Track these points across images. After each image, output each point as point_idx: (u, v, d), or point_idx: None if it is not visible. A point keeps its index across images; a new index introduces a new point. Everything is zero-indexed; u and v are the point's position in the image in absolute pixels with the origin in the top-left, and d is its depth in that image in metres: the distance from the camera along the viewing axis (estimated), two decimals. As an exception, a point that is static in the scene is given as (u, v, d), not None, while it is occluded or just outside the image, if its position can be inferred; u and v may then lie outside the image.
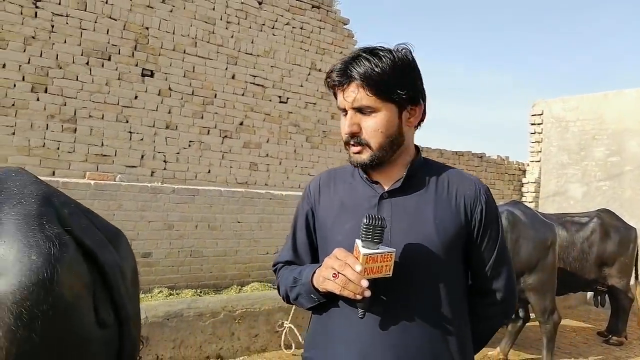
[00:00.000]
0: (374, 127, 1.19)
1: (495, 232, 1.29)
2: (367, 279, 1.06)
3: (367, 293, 1.06)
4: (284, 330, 4.21)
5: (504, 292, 1.32)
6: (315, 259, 1.34)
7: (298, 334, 4.16)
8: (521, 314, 4.56)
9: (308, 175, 7.12)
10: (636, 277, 5.46)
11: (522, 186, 9.12)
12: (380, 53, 1.17)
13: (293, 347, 4.16)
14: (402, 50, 1.21)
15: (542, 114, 8.77)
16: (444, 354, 1.20)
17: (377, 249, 1.06)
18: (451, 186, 1.26)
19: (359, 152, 1.21)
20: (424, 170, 1.28)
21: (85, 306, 1.03)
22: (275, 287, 1.39)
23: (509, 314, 1.39)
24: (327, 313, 1.23)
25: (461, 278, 1.27)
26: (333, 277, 1.09)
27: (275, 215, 5.77)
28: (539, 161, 8.83)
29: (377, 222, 1.06)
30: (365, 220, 1.06)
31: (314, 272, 1.19)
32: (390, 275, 1.09)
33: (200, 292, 4.96)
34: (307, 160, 7.15)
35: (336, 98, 1.23)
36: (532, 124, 8.94)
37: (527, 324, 4.96)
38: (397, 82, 1.18)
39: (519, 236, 4.08)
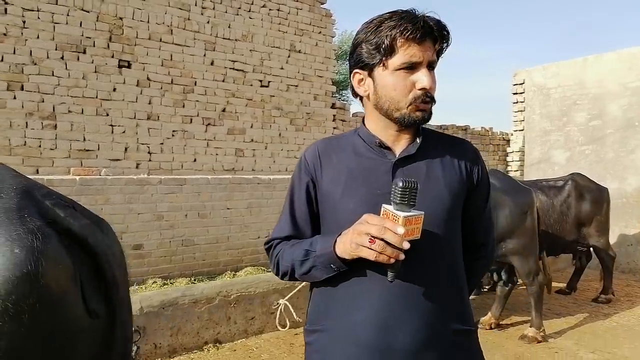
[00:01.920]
0: (435, 84, 1.25)
1: (487, 190, 1.40)
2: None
3: (402, 256, 1.08)
4: (279, 308, 4.27)
5: (491, 246, 1.46)
6: (316, 231, 1.34)
7: (293, 312, 4.23)
8: (504, 277, 4.67)
9: (294, 158, 7.13)
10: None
11: (507, 155, 9.20)
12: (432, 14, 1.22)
13: (288, 325, 4.22)
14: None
15: (523, 83, 8.80)
16: (459, 307, 1.28)
17: (410, 212, 1.08)
18: (451, 149, 1.33)
19: (424, 110, 1.23)
20: (426, 135, 1.33)
21: (73, 297, 1.03)
22: (272, 264, 1.36)
23: (488, 268, 1.52)
24: (343, 282, 1.23)
25: (461, 236, 1.34)
26: (370, 242, 1.07)
27: (264, 200, 5.79)
28: (522, 130, 8.89)
29: (413, 185, 1.07)
30: (400, 184, 1.07)
31: (335, 241, 1.18)
32: (419, 237, 1.11)
33: (194, 280, 5.00)
34: (293, 143, 7.14)
35: (390, 52, 1.19)
36: (514, 94, 8.97)
37: (515, 288, 5.08)
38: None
39: (496, 203, 4.16)
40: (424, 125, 1.34)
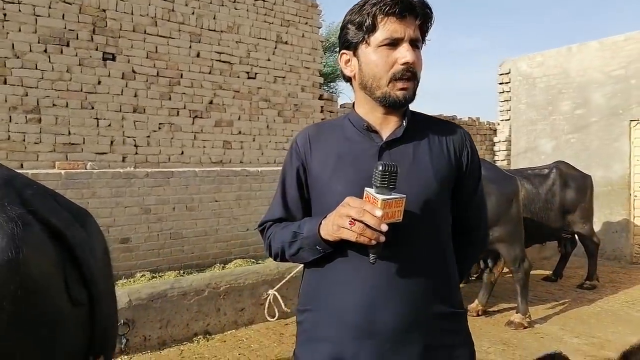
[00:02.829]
0: (421, 62, 1.25)
1: (478, 174, 1.40)
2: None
3: (382, 238, 1.09)
4: (268, 299, 4.29)
5: (484, 230, 1.47)
6: (307, 214, 1.36)
7: (282, 303, 4.25)
8: (490, 264, 4.73)
9: (283, 150, 7.12)
10: None
11: (494, 145, 9.27)
12: None
13: (277, 316, 4.25)
14: None
15: (509, 73, 8.85)
16: (446, 291, 1.28)
17: (391, 194, 1.10)
18: (440, 132, 1.33)
19: (406, 88, 1.23)
20: (414, 118, 1.33)
21: (56, 284, 1.03)
22: (265, 245, 1.40)
23: (481, 252, 1.54)
24: (330, 264, 1.26)
25: (449, 220, 1.35)
26: (350, 224, 1.10)
27: (252, 192, 5.78)
28: (508, 119, 8.95)
29: (392, 168, 1.09)
30: (380, 168, 1.08)
31: (320, 224, 1.21)
32: (401, 220, 1.13)
33: (183, 273, 4.99)
34: (281, 135, 7.13)
35: (372, 29, 1.21)
36: (500, 84, 9.02)
37: (502, 276, 5.15)
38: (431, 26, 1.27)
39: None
40: (413, 110, 1.35)
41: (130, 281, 4.68)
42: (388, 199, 1.09)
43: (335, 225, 1.14)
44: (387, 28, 1.19)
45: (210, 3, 6.45)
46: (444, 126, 1.36)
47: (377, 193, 1.10)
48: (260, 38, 6.92)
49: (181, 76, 6.18)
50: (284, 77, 7.16)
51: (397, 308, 1.20)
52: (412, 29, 1.20)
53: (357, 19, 1.22)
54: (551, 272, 6.16)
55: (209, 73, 6.43)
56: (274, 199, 1.42)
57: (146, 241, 4.99)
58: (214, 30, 6.48)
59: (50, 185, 4.35)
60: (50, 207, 1.08)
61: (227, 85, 6.58)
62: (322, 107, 7.56)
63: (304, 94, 7.36)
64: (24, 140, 5.16)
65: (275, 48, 7.09)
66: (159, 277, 4.82)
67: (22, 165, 5.07)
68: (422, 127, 1.32)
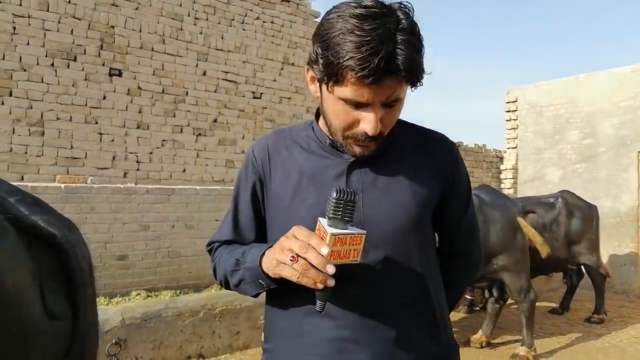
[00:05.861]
0: (393, 119, 1.03)
1: (467, 193, 1.21)
2: (334, 265, 0.89)
3: (331, 282, 0.89)
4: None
5: (477, 253, 1.28)
6: (261, 237, 1.17)
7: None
8: (495, 294, 4.59)
9: (286, 171, 7.07)
10: None
11: (500, 173, 9.18)
12: (413, 28, 0.94)
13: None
14: (412, 16, 0.95)
15: (516, 101, 8.82)
16: (433, 327, 1.10)
17: (346, 229, 0.89)
18: (422, 144, 1.13)
19: (366, 147, 1.02)
20: (393, 128, 1.09)
21: (30, 295, 0.96)
22: (212, 270, 1.20)
23: (473, 278, 1.33)
24: (294, 298, 1.05)
25: (434, 245, 1.16)
26: (291, 260, 0.90)
27: (253, 212, 5.70)
28: (515, 147, 8.89)
29: (348, 196, 0.89)
30: (334, 194, 0.89)
31: (263, 254, 1.01)
32: (358, 262, 0.92)
33: (180, 293, 4.88)
34: (285, 155, 7.09)
35: (338, 81, 0.95)
36: (507, 111, 8.99)
37: (507, 307, 5.00)
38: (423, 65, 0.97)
39: (486, 218, 4.10)
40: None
41: (125, 299, 4.58)
42: (340, 233, 0.88)
43: (275, 259, 0.94)
44: (354, 89, 0.94)
45: (219, 23, 6.49)
46: (428, 138, 1.16)
47: (330, 225, 0.90)
48: (267, 59, 6.94)
49: (186, 94, 6.18)
50: (289, 98, 7.15)
51: (375, 355, 1.02)
52: (388, 93, 0.94)
53: (326, 54, 0.95)
54: (558, 304, 6.00)
55: (215, 92, 6.42)
56: (225, 217, 1.22)
57: (143, 259, 4.90)
58: (222, 50, 6.50)
59: (48, 198, 4.28)
60: (38, 212, 1.03)
61: (232, 104, 6.57)
62: (327, 129, 7.53)
63: (309, 115, 7.33)
64: (26, 152, 5.12)
65: (282, 69, 7.10)
66: (154, 296, 4.71)
67: (22, 177, 5.03)
68: (401, 136, 1.12)
